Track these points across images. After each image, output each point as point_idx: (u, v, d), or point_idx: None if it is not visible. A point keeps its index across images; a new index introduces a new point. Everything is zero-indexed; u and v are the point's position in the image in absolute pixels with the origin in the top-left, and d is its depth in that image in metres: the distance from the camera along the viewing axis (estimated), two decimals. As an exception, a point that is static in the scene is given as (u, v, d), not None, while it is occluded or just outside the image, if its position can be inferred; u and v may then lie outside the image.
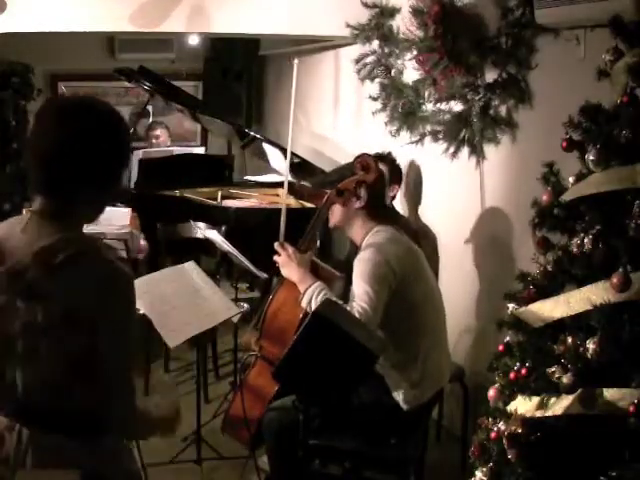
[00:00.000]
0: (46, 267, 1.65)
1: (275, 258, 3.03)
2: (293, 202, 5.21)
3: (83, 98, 1.83)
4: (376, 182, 3.00)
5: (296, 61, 3.59)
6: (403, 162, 4.18)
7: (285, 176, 3.68)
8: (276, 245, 3.05)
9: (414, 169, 4.32)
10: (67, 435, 1.72)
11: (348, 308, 2.73)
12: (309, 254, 3.04)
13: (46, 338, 1.66)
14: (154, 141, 6.27)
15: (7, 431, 1.72)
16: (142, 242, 4.59)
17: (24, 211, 1.78)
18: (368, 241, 2.94)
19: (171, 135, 6.44)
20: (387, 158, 3.97)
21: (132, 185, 5.75)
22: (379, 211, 3.03)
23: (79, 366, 1.68)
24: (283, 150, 5.08)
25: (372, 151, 3.59)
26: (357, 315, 2.70)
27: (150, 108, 6.86)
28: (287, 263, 2.98)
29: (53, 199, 1.73)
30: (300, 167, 5.15)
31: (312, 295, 2.86)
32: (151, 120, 6.85)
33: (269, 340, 3.13)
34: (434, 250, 4.00)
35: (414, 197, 4.36)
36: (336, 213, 3.02)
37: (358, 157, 3.01)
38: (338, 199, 2.96)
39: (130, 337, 1.77)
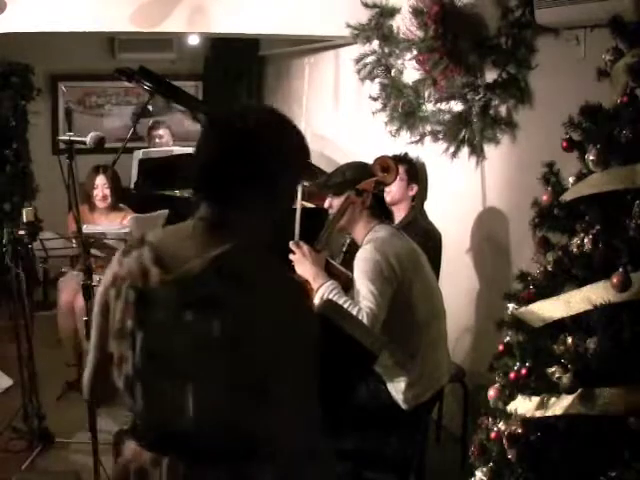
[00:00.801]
0: (221, 276, 1.49)
1: (290, 257, 3.05)
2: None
3: (250, 107, 1.76)
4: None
5: (312, 60, 3.59)
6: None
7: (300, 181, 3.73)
8: (291, 244, 3.08)
9: (419, 166, 4.32)
10: (230, 469, 1.52)
11: (357, 308, 2.77)
12: (323, 254, 3.07)
13: (221, 354, 1.48)
14: (157, 141, 6.20)
15: (152, 466, 1.54)
16: None
17: (189, 221, 1.62)
18: (369, 239, 2.97)
19: (174, 135, 6.40)
20: (405, 159, 3.99)
21: (132, 185, 5.74)
22: (381, 210, 3.07)
23: (257, 387, 1.49)
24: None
25: (372, 151, 3.59)
26: (365, 315, 2.74)
27: (150, 108, 6.85)
28: (302, 261, 3.00)
29: (221, 207, 1.61)
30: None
31: (324, 293, 2.87)
32: (153, 119, 6.83)
33: None
34: (438, 248, 3.99)
35: (420, 194, 4.35)
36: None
37: (378, 159, 3.05)
38: (357, 199, 2.99)
39: (312, 355, 1.59)
